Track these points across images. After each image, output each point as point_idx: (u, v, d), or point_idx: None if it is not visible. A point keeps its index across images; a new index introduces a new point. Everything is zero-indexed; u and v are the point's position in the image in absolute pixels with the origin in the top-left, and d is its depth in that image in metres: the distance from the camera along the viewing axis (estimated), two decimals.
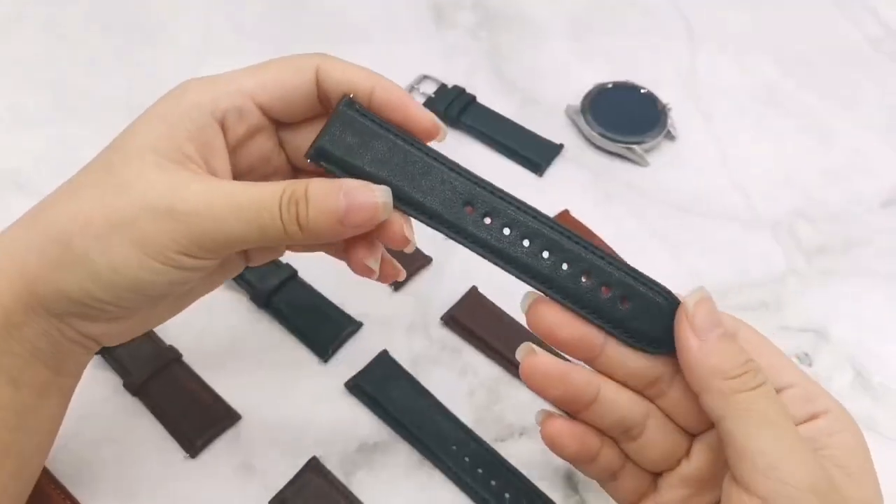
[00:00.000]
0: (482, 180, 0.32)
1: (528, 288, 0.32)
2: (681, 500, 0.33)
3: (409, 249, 0.32)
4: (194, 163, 0.31)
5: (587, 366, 0.33)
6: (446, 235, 0.32)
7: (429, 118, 0.33)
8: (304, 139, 0.35)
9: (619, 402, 0.32)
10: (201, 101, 0.32)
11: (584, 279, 0.32)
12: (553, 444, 0.33)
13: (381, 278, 0.35)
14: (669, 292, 0.32)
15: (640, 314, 0.32)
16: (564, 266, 0.32)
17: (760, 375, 0.30)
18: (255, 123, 0.33)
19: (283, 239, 0.30)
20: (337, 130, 0.32)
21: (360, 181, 0.31)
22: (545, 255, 0.32)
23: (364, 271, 0.34)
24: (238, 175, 0.34)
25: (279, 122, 0.35)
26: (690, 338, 0.30)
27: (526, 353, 0.32)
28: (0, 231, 0.32)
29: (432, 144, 0.33)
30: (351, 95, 0.33)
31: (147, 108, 0.32)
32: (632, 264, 0.50)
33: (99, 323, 0.33)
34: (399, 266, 0.35)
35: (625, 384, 0.33)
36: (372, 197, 0.30)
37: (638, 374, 0.32)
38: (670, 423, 0.33)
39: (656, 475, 0.34)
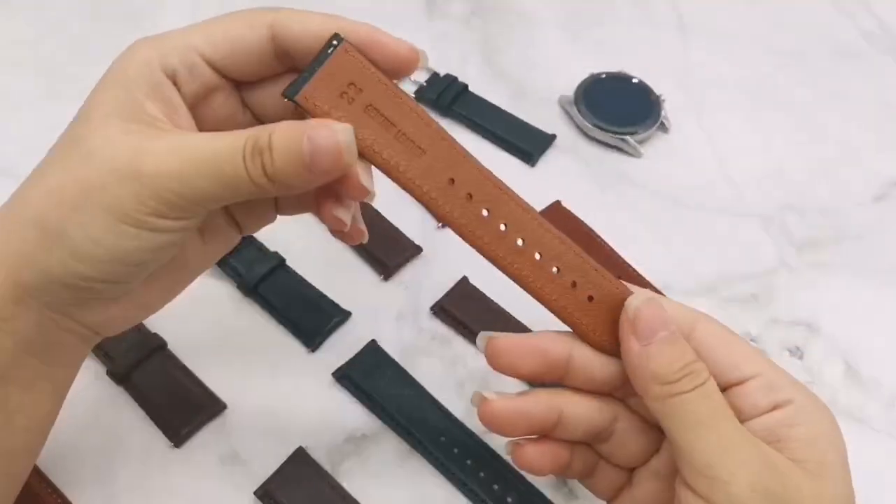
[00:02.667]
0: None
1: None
2: (654, 493, 0.33)
3: (370, 199, 0.31)
4: (160, 121, 0.30)
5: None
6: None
7: (406, 47, 0.31)
8: (267, 98, 0.33)
9: (584, 415, 0.32)
10: (150, 58, 0.30)
11: (555, 269, 0.32)
12: (530, 470, 0.33)
13: (347, 238, 0.34)
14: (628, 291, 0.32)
15: (602, 313, 0.32)
16: (537, 255, 0.32)
17: (700, 376, 0.30)
18: (209, 81, 0.32)
19: (255, 192, 0.29)
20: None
21: (321, 120, 0.29)
22: (519, 241, 0.32)
23: (336, 223, 0.32)
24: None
25: (238, 82, 0.33)
26: (631, 342, 0.30)
27: (479, 401, 0.32)
28: None
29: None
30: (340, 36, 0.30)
31: (102, 76, 0.31)
32: (623, 256, 0.50)
33: (94, 308, 0.31)
34: (363, 228, 0.34)
35: (593, 391, 0.33)
36: (333, 137, 0.28)
37: (606, 381, 0.32)
38: (640, 421, 0.33)
39: (631, 469, 0.34)
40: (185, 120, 0.32)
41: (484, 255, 0.32)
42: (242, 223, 0.36)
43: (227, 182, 0.29)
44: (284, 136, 0.28)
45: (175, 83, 0.31)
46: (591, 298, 0.32)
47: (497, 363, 0.32)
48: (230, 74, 0.32)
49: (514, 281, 0.32)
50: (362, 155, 0.30)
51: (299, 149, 0.28)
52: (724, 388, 0.31)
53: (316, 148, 0.28)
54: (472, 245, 0.32)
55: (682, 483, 0.29)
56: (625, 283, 0.32)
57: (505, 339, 0.32)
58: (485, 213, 0.31)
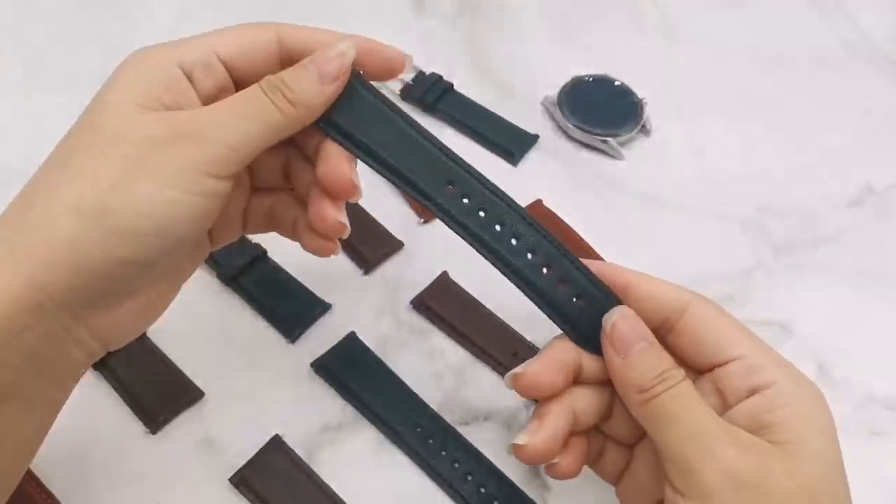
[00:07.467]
0: (465, 163, 0.34)
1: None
2: (651, 467, 0.34)
3: (356, 198, 0.34)
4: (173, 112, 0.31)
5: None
6: (428, 208, 0.34)
7: (399, 55, 0.35)
8: None
9: (592, 402, 0.34)
10: (168, 56, 0.32)
11: (545, 270, 0.33)
12: (565, 477, 0.34)
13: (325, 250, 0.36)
14: (616, 298, 0.33)
15: (592, 315, 0.33)
16: (529, 255, 0.33)
17: (675, 379, 0.31)
18: (221, 81, 0.33)
19: (286, 123, 0.31)
20: (345, 103, 0.33)
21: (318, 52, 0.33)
22: (513, 241, 0.33)
23: (337, 226, 0.34)
24: None
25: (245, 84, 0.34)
26: (611, 355, 0.32)
27: (517, 450, 0.33)
28: None
29: None
30: (360, 71, 0.34)
31: (113, 73, 0.32)
32: (602, 255, 0.50)
33: (111, 309, 0.31)
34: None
35: (594, 382, 0.34)
36: (337, 53, 0.32)
37: (604, 371, 0.34)
38: None
39: (632, 447, 0.35)
40: None
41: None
42: (214, 236, 0.37)
43: (261, 117, 0.31)
44: (290, 71, 0.32)
45: (190, 80, 0.32)
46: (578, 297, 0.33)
47: (530, 393, 0.33)
48: (240, 75, 0.33)
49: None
50: None
51: (309, 70, 0.32)
52: (708, 370, 0.33)
53: (320, 60, 0.32)
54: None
55: (666, 482, 0.31)
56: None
57: (531, 370, 0.33)
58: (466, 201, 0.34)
